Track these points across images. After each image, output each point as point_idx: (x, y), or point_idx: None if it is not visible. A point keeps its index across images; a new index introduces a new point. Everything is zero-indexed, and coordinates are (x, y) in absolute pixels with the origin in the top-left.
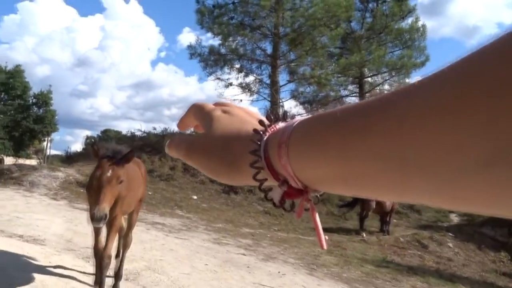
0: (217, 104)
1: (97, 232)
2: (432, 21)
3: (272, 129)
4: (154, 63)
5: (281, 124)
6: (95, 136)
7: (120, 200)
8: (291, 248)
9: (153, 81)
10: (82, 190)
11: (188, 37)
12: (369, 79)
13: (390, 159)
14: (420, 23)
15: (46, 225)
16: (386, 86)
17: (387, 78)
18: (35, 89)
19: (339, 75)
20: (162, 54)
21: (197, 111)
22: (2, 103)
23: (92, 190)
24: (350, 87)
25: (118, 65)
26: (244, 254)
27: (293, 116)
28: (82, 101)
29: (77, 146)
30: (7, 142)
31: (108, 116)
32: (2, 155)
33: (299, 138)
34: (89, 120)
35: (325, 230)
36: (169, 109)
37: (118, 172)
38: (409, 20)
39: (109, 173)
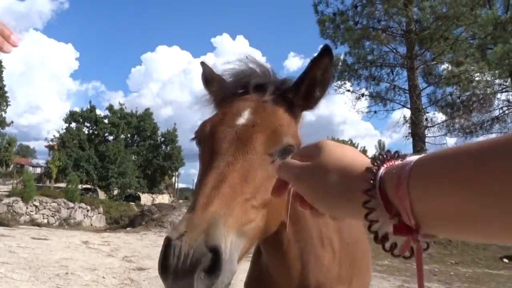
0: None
1: None
2: None
3: (387, 165)
4: None
5: (395, 162)
6: None
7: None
8: None
9: None
10: None
11: (293, 61)
12: None
13: None
14: None
15: None
16: None
17: None
18: (162, 129)
19: (489, 69)
20: None
21: (301, 151)
22: (135, 145)
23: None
24: (498, 81)
25: None
26: None
27: (404, 156)
28: None
29: None
30: (142, 180)
31: None
32: (139, 192)
33: (423, 171)
34: None
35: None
36: None
37: (276, 118)
38: None
39: (245, 119)
